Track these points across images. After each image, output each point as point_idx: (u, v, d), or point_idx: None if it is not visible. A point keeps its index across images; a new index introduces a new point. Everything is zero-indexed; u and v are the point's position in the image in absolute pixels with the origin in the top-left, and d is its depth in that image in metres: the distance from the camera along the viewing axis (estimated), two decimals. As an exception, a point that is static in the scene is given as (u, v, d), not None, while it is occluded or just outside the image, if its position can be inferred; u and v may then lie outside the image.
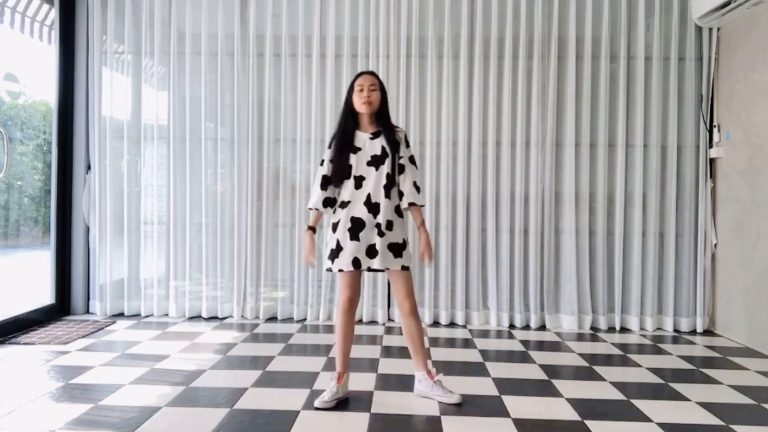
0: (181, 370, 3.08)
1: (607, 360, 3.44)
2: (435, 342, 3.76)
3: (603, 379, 3.04)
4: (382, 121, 2.67)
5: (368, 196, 2.58)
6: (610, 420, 2.48)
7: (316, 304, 4.31)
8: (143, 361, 3.22)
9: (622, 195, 4.21)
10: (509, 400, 2.68)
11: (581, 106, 4.22)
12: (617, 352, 3.63)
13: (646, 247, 4.21)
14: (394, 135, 2.65)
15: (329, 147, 2.70)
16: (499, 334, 4.03)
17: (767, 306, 3.63)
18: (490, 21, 4.25)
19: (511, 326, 4.24)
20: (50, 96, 4.32)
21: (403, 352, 3.38)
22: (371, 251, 2.56)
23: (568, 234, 4.23)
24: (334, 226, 2.62)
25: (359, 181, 2.61)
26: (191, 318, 4.34)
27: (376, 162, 2.61)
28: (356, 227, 2.57)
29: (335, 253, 2.58)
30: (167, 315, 4.38)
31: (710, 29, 4.18)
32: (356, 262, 2.55)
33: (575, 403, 2.67)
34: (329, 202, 2.66)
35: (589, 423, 2.43)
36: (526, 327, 4.23)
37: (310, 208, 2.68)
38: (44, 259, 4.33)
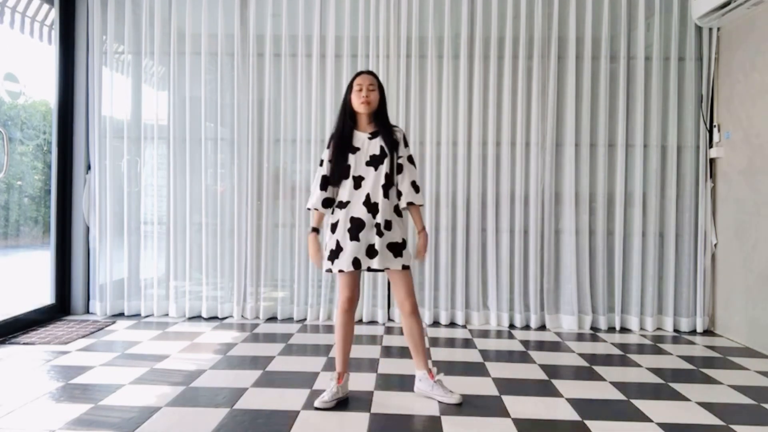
0: (181, 370, 3.08)
1: (607, 360, 3.44)
2: (435, 342, 3.76)
3: (603, 379, 3.04)
4: (381, 121, 2.67)
5: (367, 196, 2.58)
6: (610, 420, 2.48)
7: (316, 304, 4.31)
8: (143, 361, 3.22)
9: (622, 195, 4.21)
10: (509, 400, 2.68)
11: (581, 106, 4.22)
12: (617, 352, 3.63)
13: (646, 247, 4.21)
14: (392, 135, 2.64)
15: (328, 147, 2.70)
16: (499, 334, 4.03)
17: (767, 306, 3.63)
18: (490, 21, 4.25)
19: (511, 326, 4.24)
20: (50, 96, 4.33)
21: (403, 352, 3.38)
22: (371, 251, 2.55)
23: (568, 234, 4.23)
24: (333, 227, 2.61)
25: (358, 181, 2.61)
26: (191, 318, 4.34)
27: (375, 162, 2.60)
28: (356, 227, 2.56)
29: (335, 254, 2.58)
30: (167, 315, 4.38)
31: (710, 29, 4.18)
32: (356, 263, 2.55)
33: (575, 403, 2.67)
34: (329, 203, 2.66)
35: (589, 423, 2.44)
36: (526, 327, 4.23)
37: (309, 209, 2.68)
38: (44, 259, 4.33)
